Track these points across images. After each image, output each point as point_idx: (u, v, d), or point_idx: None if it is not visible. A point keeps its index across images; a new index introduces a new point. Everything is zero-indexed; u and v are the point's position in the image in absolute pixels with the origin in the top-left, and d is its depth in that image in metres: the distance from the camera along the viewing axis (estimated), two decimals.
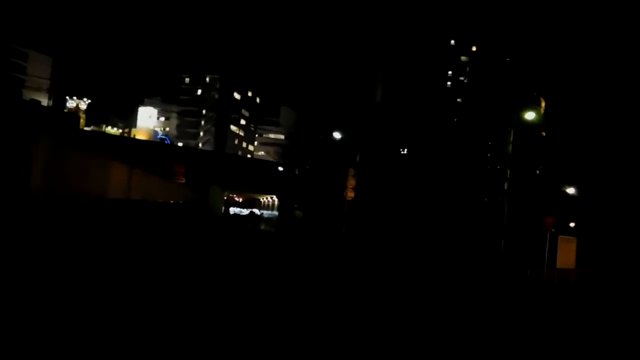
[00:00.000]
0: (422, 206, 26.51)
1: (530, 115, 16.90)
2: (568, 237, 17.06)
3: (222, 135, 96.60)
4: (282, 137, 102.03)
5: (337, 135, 23.23)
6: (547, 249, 16.23)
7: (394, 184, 27.59)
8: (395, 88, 36.39)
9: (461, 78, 52.49)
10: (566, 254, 15.93)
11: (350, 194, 20.46)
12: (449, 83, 51.89)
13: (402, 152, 30.60)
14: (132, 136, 78.75)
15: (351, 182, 20.48)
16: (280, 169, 47.14)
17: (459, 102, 45.16)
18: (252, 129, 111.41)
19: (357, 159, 21.84)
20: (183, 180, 21.49)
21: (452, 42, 56.80)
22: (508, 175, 17.62)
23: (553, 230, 16.53)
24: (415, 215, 25.24)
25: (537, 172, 27.26)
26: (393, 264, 16.35)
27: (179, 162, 22.51)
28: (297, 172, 42.99)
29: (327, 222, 25.61)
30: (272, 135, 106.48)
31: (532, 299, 12.91)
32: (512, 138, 17.47)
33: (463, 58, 55.54)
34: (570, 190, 25.62)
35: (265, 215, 52.55)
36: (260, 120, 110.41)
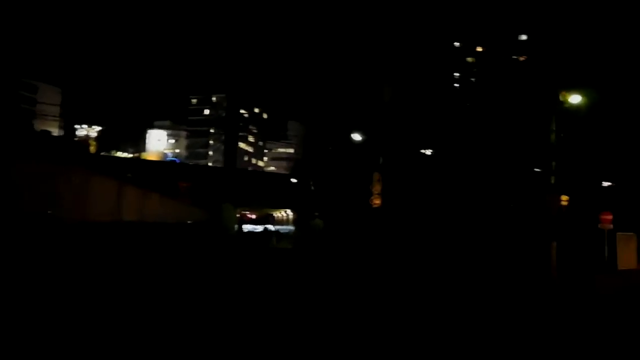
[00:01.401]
0: (455, 210, 24.99)
1: (575, 99, 14.86)
2: (627, 234, 14.96)
3: (231, 152, 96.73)
4: (292, 150, 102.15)
5: (356, 137, 21.84)
6: (606, 249, 14.59)
7: (421, 187, 26.22)
8: (406, 88, 35.58)
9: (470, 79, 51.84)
10: (627, 254, 14.04)
11: (377, 201, 19.37)
12: (457, 78, 51.23)
13: (424, 153, 29.31)
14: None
15: (377, 188, 19.37)
16: (294, 180, 46.46)
17: (478, 99, 44.16)
18: (261, 144, 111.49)
19: (380, 162, 20.60)
20: (188, 201, 21.03)
21: (457, 44, 56.51)
22: (553, 168, 15.60)
23: (612, 227, 14.92)
24: (450, 221, 23.66)
25: (578, 163, 24.75)
26: (435, 279, 14.78)
27: (181, 179, 22.05)
28: (311, 184, 42.27)
29: (350, 234, 24.44)
30: (281, 150, 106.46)
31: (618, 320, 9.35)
32: (554, 126, 15.23)
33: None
34: (606, 183, 24.25)
35: (282, 231, 51.92)
36: (268, 135, 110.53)
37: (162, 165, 61.27)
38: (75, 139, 71.63)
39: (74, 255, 8.75)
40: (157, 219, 17.67)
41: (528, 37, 54.16)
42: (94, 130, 76.67)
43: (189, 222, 26.85)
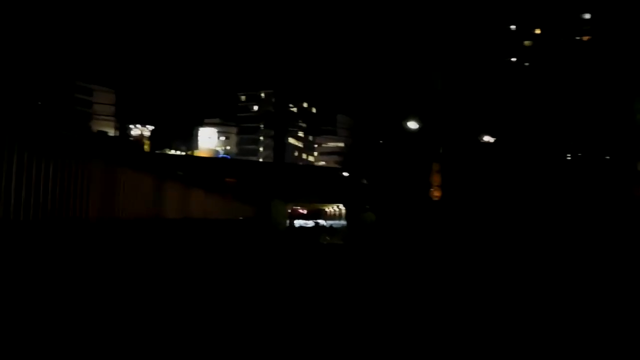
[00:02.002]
0: (523, 202, 22.47)
1: None
2: None
3: (280, 148, 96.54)
4: (342, 144, 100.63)
5: (412, 125, 19.75)
6: None
7: (485, 177, 23.84)
8: (461, 74, 33.08)
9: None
10: None
11: (437, 193, 17.64)
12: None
13: (485, 141, 26.78)
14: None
15: (436, 179, 17.65)
16: (345, 174, 44.92)
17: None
18: (311, 139, 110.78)
19: (440, 151, 18.69)
20: (235, 197, 19.89)
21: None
22: None
23: None
24: (518, 214, 21.24)
25: None
26: (516, 280, 12.68)
27: (231, 175, 21.02)
28: (362, 177, 40.56)
29: (407, 228, 22.59)
30: (331, 144, 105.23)
31: None
32: None
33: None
34: None
35: (334, 226, 50.53)
36: (318, 130, 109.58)
37: (211, 161, 61.32)
38: (130, 138, 73.30)
39: (145, 250, 9.19)
40: (206, 216, 16.79)
41: (592, 15, 50.48)
42: (147, 130, 78.22)
43: (240, 218, 25.98)
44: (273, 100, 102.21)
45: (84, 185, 6.96)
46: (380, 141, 36.54)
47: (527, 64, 49.85)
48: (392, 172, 30.43)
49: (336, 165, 68.63)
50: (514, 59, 51.34)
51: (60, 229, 6.15)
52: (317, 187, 45.90)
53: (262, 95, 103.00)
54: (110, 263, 7.47)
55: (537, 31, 57.42)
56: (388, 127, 32.65)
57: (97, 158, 7.59)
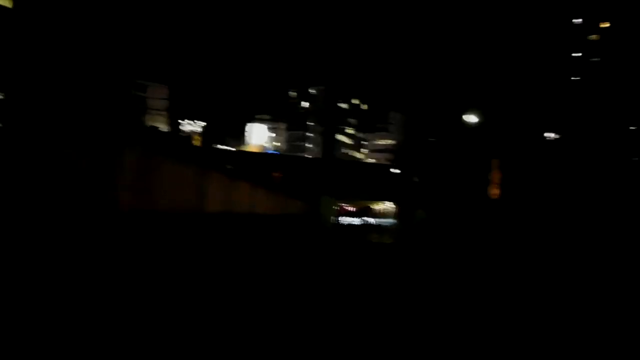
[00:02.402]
0: (590, 202, 20.35)
1: None
2: None
3: (330, 145, 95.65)
4: (392, 142, 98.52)
5: (471, 119, 18.03)
6: None
7: (548, 175, 21.83)
8: (523, 69, 30.79)
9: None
10: None
11: (496, 191, 16.03)
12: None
13: (547, 138, 24.65)
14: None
15: (496, 177, 16.03)
16: (396, 171, 43.30)
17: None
18: (361, 136, 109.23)
19: (501, 147, 17.01)
20: (282, 192, 18.96)
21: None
22: None
23: None
24: (584, 213, 19.25)
25: None
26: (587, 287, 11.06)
27: (280, 170, 20.12)
28: (416, 175, 38.81)
29: (462, 228, 20.90)
30: (381, 142, 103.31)
31: None
32: None
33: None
34: None
35: (382, 225, 48.94)
36: (368, 127, 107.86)
37: (260, 156, 61.05)
38: (181, 134, 74.44)
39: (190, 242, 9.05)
40: (253, 210, 16.01)
41: None
42: (198, 126, 79.19)
43: (287, 213, 25.16)
44: (323, 97, 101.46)
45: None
46: (434, 137, 34.82)
47: (593, 59, 46.47)
48: (447, 169, 28.64)
49: (386, 163, 66.93)
50: (578, 54, 48.05)
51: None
52: (366, 184, 44.49)
53: (313, 91, 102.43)
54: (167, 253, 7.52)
55: (605, 25, 53.82)
56: (443, 122, 30.90)
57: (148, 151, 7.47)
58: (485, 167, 17.29)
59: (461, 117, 20.38)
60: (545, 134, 25.41)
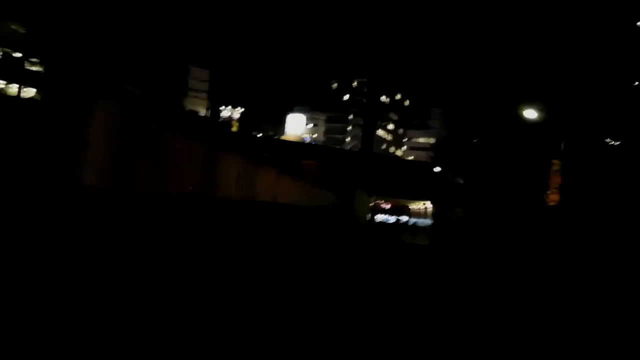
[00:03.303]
0: None
1: None
2: None
3: (369, 139, 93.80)
4: (433, 140, 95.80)
5: (530, 114, 15.93)
6: None
7: (618, 183, 19.51)
8: (580, 69, 28.26)
9: None
10: None
11: (555, 197, 14.18)
12: None
13: (609, 143, 22.34)
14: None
15: (555, 180, 14.17)
16: (437, 169, 41.27)
17: None
18: (401, 133, 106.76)
19: (562, 147, 15.03)
20: (313, 182, 17.63)
21: None
22: None
23: None
24: None
25: None
26: None
27: (314, 160, 18.82)
28: (458, 175, 36.77)
29: (514, 240, 19.03)
30: (421, 140, 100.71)
31: None
32: None
33: None
34: None
35: (418, 225, 47.13)
36: (409, 123, 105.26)
37: (297, 145, 59.81)
38: (220, 119, 74.30)
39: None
40: (288, 201, 14.94)
41: None
42: (237, 112, 78.99)
43: (320, 205, 23.95)
44: (365, 89, 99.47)
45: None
46: (479, 135, 32.75)
47: None
48: (496, 170, 26.58)
49: (426, 160, 64.68)
50: None
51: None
52: (404, 182, 42.62)
53: (354, 84, 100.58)
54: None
55: None
56: (490, 119, 28.83)
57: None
58: (542, 169, 15.51)
59: (510, 113, 18.66)
60: (608, 139, 23.10)
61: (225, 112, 76.61)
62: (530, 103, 15.77)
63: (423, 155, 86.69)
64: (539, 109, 15.48)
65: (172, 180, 7.89)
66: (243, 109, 79.31)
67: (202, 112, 70.56)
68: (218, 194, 9.43)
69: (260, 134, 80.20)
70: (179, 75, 73.14)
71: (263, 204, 11.52)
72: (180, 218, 7.80)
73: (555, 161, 14.24)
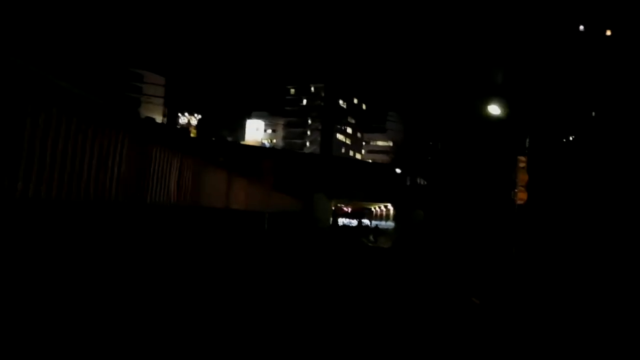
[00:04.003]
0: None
1: None
2: None
3: (328, 144, 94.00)
4: (391, 144, 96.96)
5: (494, 110, 15.91)
6: None
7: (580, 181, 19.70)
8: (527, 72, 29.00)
9: None
10: None
11: (522, 196, 14.14)
12: None
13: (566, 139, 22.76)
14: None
15: (522, 178, 14.13)
16: (398, 170, 41.49)
17: None
18: (359, 136, 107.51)
19: (527, 144, 15.05)
20: (271, 184, 17.19)
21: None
22: None
23: None
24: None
25: None
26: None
27: (273, 164, 18.40)
28: (420, 176, 36.98)
29: (481, 243, 19.08)
30: (380, 143, 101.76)
31: None
32: None
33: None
34: None
35: (380, 227, 47.27)
36: (367, 127, 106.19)
37: (252, 149, 58.84)
38: (177, 126, 72.68)
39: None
40: (242, 206, 14.35)
41: None
42: (194, 119, 77.53)
43: (279, 210, 23.50)
44: (322, 94, 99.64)
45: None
46: (440, 136, 33.06)
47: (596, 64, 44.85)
48: (459, 171, 26.76)
49: (385, 162, 65.07)
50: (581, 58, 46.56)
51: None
52: (364, 184, 42.74)
53: (312, 89, 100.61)
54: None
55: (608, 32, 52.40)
56: (452, 118, 29.11)
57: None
58: (506, 167, 15.58)
59: (470, 111, 18.88)
60: (567, 136, 23.67)
61: (183, 119, 75.02)
62: (492, 99, 15.87)
63: (382, 158, 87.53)
64: (502, 105, 15.61)
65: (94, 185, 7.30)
66: (201, 116, 77.92)
67: (159, 119, 68.84)
68: (153, 198, 8.45)
69: (214, 138, 78.90)
70: (133, 81, 71.11)
71: (208, 210, 10.78)
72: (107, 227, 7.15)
73: (522, 157, 14.27)
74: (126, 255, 6.17)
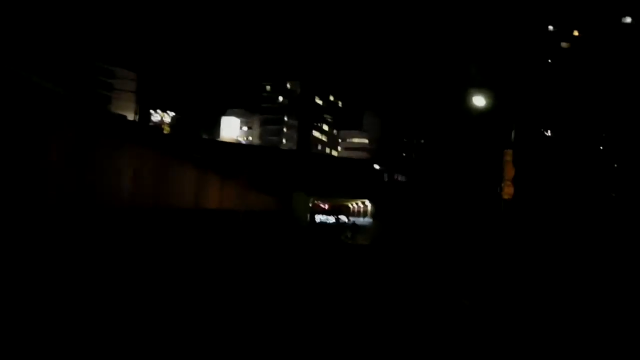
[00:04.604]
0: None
1: None
2: None
3: (305, 141, 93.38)
4: (366, 141, 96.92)
5: (478, 102, 15.42)
6: None
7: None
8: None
9: None
10: None
11: (509, 190, 13.70)
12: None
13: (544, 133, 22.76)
14: None
15: (509, 172, 13.71)
16: (376, 166, 41.13)
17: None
18: (336, 134, 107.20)
19: (513, 137, 14.63)
20: (246, 183, 16.47)
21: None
22: None
23: None
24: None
25: None
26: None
27: (253, 162, 17.66)
28: (398, 172, 36.71)
29: (467, 240, 18.68)
30: (356, 140, 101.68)
31: None
32: None
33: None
34: None
35: (358, 224, 46.83)
36: (343, 125, 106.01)
37: (229, 146, 57.73)
38: (150, 123, 71.02)
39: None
40: (216, 205, 13.62)
41: (632, 19, 46.96)
42: (168, 116, 76.07)
43: (257, 210, 22.82)
44: (299, 91, 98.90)
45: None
46: (422, 130, 32.82)
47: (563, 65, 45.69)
48: (441, 166, 26.43)
49: (363, 158, 64.73)
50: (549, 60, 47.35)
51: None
52: (343, 181, 42.25)
53: (288, 86, 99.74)
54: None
55: (575, 33, 53.72)
56: (433, 112, 28.83)
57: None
58: (492, 161, 15.26)
59: (463, 101, 18.49)
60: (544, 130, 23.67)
61: (155, 116, 73.44)
62: (476, 90, 15.49)
63: (358, 156, 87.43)
64: (487, 96, 15.25)
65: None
66: (174, 113, 76.46)
67: (130, 116, 67.08)
68: (106, 199, 7.45)
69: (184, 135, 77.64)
70: (103, 77, 69.04)
71: (174, 210, 9.84)
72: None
73: (508, 151, 13.90)
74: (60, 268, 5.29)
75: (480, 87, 17.05)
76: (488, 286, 11.73)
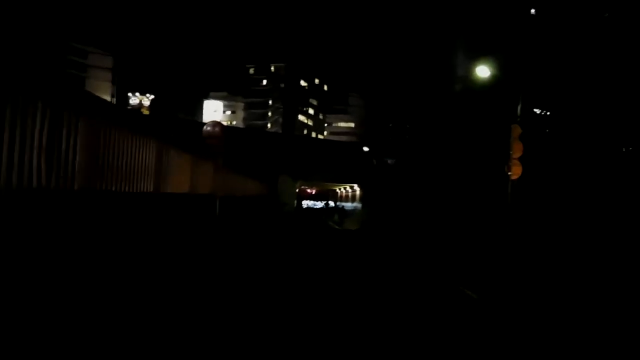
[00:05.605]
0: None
1: None
2: None
3: (290, 125, 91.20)
4: (352, 125, 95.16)
5: (482, 72, 13.52)
6: None
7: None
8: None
9: None
10: None
11: (517, 170, 12.00)
12: None
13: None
14: None
15: (517, 150, 11.98)
16: (366, 149, 39.33)
17: None
18: (321, 118, 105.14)
19: (519, 110, 12.80)
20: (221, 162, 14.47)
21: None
22: None
23: None
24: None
25: None
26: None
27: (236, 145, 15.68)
28: (388, 155, 35.01)
29: (453, 218, 17.19)
30: (342, 124, 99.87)
31: None
32: None
33: None
34: None
35: (346, 208, 45.20)
36: (329, 109, 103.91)
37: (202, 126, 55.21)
38: (128, 107, 68.17)
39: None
40: (194, 191, 11.67)
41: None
42: (147, 99, 73.08)
43: (241, 195, 20.90)
44: (283, 74, 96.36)
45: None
46: (414, 110, 31.08)
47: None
48: (436, 145, 24.66)
49: (352, 142, 62.83)
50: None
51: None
52: (331, 165, 40.39)
53: (272, 68, 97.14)
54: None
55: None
56: (428, 90, 27.05)
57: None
58: (496, 138, 13.63)
59: (468, 71, 16.82)
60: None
61: (134, 99, 70.46)
62: (478, 61, 13.73)
63: (345, 140, 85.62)
64: (492, 67, 13.46)
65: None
66: (154, 96, 73.46)
67: (107, 99, 64.19)
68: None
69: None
70: (75, 57, 65.77)
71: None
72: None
73: (515, 126, 12.18)
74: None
75: (485, 55, 15.27)
76: (495, 277, 10.21)
